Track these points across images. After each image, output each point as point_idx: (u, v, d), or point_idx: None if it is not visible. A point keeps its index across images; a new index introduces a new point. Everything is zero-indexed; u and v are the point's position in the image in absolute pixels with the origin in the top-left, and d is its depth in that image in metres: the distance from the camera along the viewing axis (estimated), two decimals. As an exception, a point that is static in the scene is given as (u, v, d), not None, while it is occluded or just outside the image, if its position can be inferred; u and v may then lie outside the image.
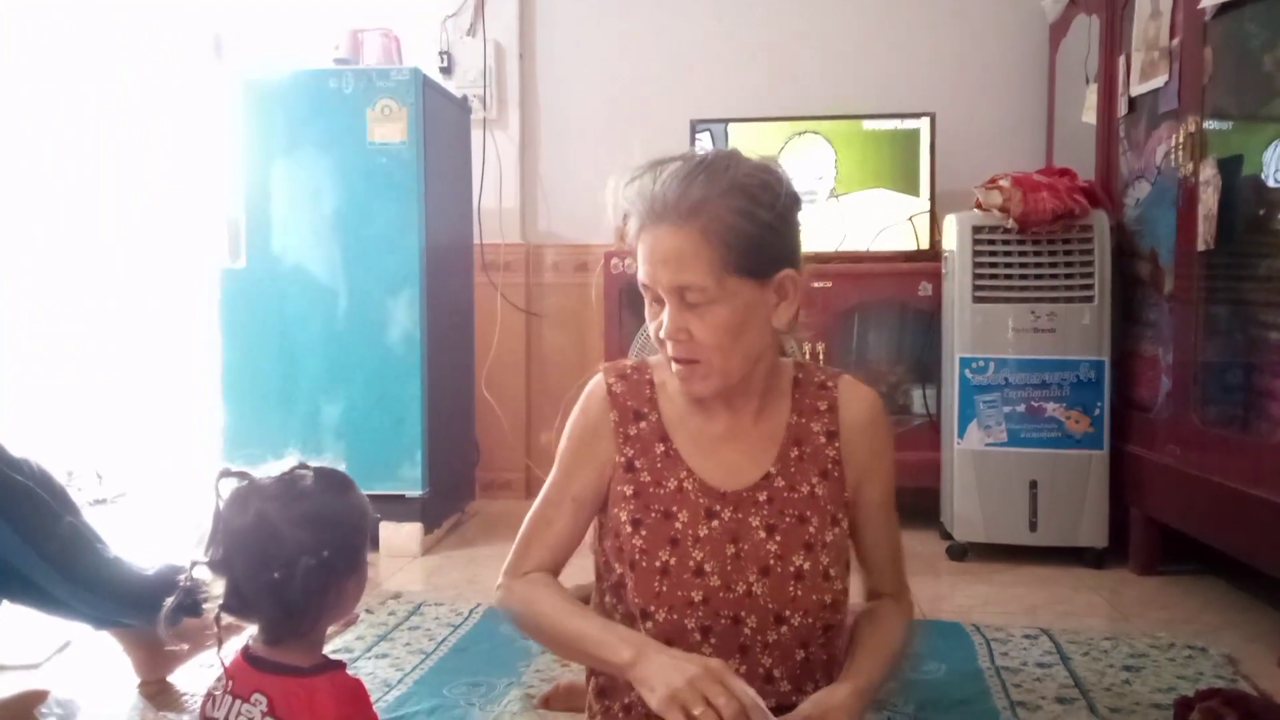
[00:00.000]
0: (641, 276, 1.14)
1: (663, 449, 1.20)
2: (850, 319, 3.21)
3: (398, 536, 2.80)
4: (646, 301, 1.17)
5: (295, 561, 1.01)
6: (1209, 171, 2.26)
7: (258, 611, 1.05)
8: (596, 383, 1.26)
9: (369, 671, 1.88)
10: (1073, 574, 2.62)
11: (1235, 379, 2.38)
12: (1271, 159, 2.22)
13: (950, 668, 1.95)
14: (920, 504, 2.93)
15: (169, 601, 1.05)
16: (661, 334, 1.14)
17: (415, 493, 2.81)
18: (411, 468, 2.81)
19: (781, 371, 1.24)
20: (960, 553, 2.77)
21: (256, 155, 2.82)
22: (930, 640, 2.04)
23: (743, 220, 1.09)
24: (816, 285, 3.19)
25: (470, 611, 2.27)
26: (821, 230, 3.12)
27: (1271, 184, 2.20)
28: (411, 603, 2.34)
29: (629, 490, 1.19)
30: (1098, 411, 2.67)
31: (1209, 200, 2.26)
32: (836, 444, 1.21)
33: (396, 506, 2.77)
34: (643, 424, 1.22)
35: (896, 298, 3.12)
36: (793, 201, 1.15)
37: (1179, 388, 2.47)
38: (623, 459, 1.20)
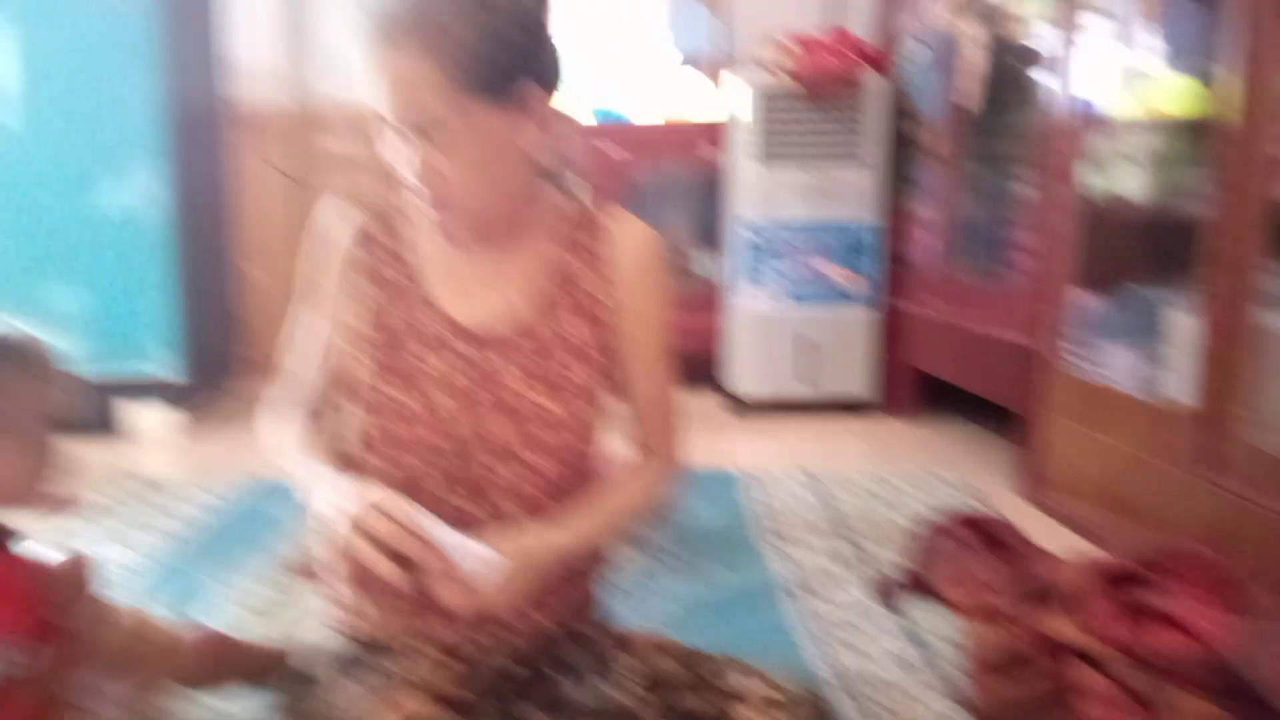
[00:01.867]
0: (375, 107, 1.01)
1: (411, 285, 1.10)
2: (635, 184, 3.16)
3: (147, 418, 2.59)
4: (387, 135, 1.03)
5: None
6: (977, 31, 2.31)
7: None
8: (341, 211, 1.13)
9: (108, 557, 1.73)
10: (844, 424, 2.74)
11: (993, 233, 2.50)
12: (1032, 18, 2.27)
13: (715, 509, 2.00)
14: (703, 365, 2.97)
15: None
16: (411, 176, 1.02)
17: (167, 374, 2.60)
18: (162, 347, 2.58)
19: (548, 204, 1.15)
20: (739, 409, 2.84)
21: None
22: (698, 487, 2.07)
23: (471, 30, 0.97)
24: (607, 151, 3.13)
25: (222, 493, 2.13)
26: (605, 91, 3.03)
27: (1031, 45, 2.26)
28: (157, 485, 2.17)
29: (371, 328, 1.09)
30: (870, 270, 2.75)
31: (976, 60, 2.31)
32: (604, 285, 1.13)
33: (147, 388, 2.56)
34: (393, 260, 1.11)
35: (681, 161, 3.08)
36: (533, 3, 1.03)
37: (943, 244, 2.57)
38: (369, 297, 1.10)
